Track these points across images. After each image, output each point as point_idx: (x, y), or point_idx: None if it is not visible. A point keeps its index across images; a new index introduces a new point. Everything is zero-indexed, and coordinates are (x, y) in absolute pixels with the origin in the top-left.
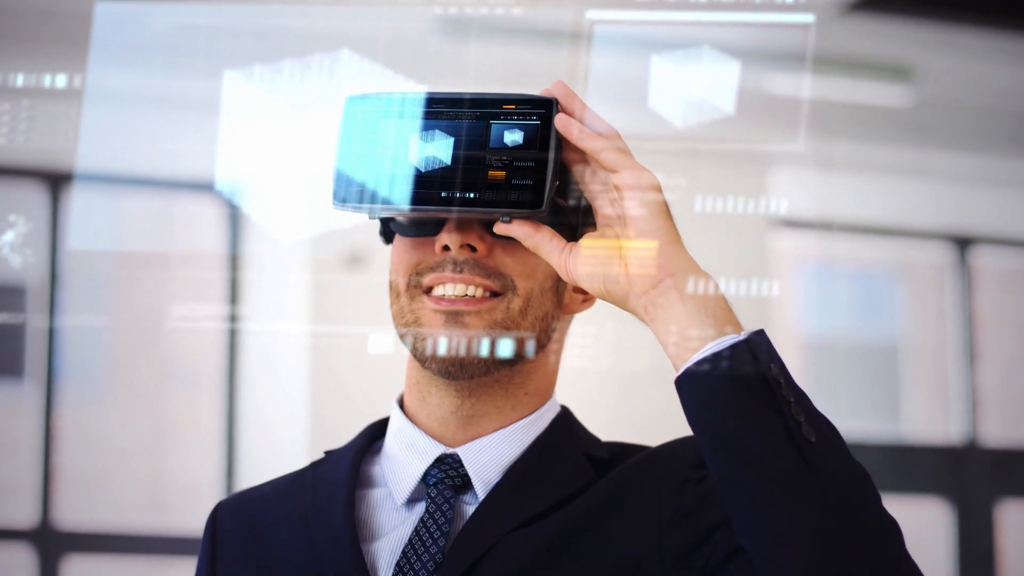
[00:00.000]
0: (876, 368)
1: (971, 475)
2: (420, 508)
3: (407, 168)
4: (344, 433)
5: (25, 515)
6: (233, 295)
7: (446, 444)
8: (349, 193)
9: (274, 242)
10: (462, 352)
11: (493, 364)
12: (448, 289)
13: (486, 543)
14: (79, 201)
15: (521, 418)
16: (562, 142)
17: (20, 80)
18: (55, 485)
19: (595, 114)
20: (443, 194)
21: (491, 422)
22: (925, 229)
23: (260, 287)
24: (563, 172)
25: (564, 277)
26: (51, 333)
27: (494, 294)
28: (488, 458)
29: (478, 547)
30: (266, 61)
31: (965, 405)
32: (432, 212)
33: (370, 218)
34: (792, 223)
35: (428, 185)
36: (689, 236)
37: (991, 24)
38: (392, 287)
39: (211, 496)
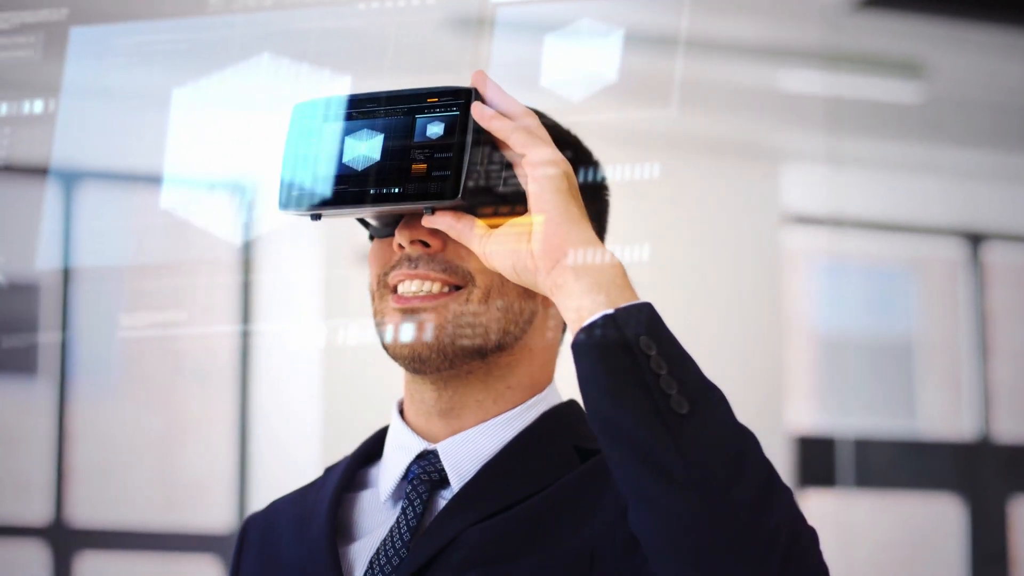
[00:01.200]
0: (889, 364)
1: (984, 471)
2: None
3: (341, 169)
4: (356, 431)
5: (38, 512)
6: (245, 294)
7: (430, 441)
8: (290, 198)
9: (286, 238)
10: (419, 348)
11: (456, 358)
12: (407, 286)
13: (447, 537)
14: (91, 199)
15: (503, 412)
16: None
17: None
18: (68, 482)
19: (509, 97)
20: (372, 191)
21: (471, 417)
22: (937, 225)
23: (271, 283)
24: (498, 159)
25: (485, 264)
26: (64, 331)
27: (456, 288)
28: (466, 452)
29: (439, 541)
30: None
31: (978, 401)
32: (360, 210)
33: (312, 220)
34: (804, 219)
35: (359, 183)
36: (701, 233)
37: (1003, 20)
38: (369, 288)
39: (223, 493)
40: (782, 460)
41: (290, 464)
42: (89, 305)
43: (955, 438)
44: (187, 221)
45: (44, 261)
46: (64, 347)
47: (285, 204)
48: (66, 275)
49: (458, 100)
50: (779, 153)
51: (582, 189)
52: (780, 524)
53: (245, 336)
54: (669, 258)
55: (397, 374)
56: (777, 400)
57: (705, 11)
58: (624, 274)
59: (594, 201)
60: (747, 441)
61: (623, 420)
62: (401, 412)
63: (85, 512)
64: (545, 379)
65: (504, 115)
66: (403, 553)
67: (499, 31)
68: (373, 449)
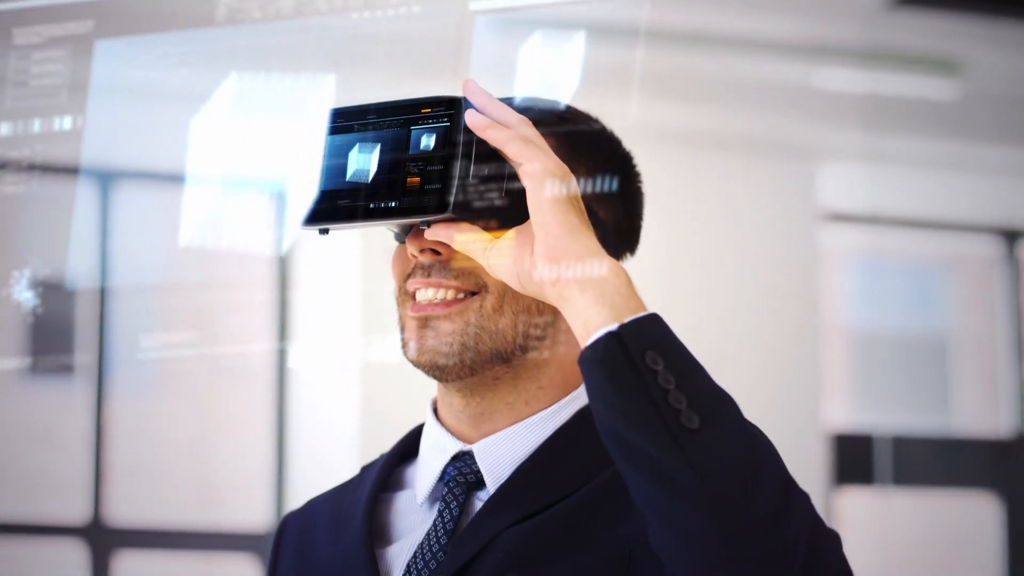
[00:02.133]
0: (925, 361)
1: (1021, 468)
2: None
3: (344, 183)
4: (393, 428)
5: (76, 511)
6: (282, 306)
7: (465, 441)
8: (304, 212)
9: (324, 244)
10: (436, 356)
11: (476, 365)
12: (423, 294)
13: (483, 539)
14: (128, 199)
15: (536, 412)
16: (480, 139)
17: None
18: (106, 481)
19: (501, 104)
20: (371, 206)
21: (503, 418)
22: (974, 223)
23: (310, 283)
24: (496, 169)
25: (491, 274)
26: (101, 329)
27: (471, 293)
28: (501, 453)
29: (475, 544)
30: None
31: (1014, 398)
32: (362, 225)
33: (320, 234)
34: (840, 217)
35: (360, 198)
36: (738, 231)
37: None
38: (394, 293)
39: (261, 492)
40: (819, 458)
41: (327, 462)
42: (126, 304)
43: (991, 435)
44: (223, 230)
45: (80, 278)
46: (101, 346)
47: (303, 219)
48: (103, 277)
49: (449, 111)
50: (815, 151)
51: (617, 189)
52: (798, 533)
53: (283, 330)
54: (705, 256)
55: None
56: (814, 397)
57: (741, 9)
58: (629, 282)
59: (625, 191)
60: (761, 450)
61: (633, 438)
62: (435, 411)
63: (123, 511)
64: (578, 377)
65: (499, 123)
66: (440, 557)
67: (479, 37)
68: (409, 448)
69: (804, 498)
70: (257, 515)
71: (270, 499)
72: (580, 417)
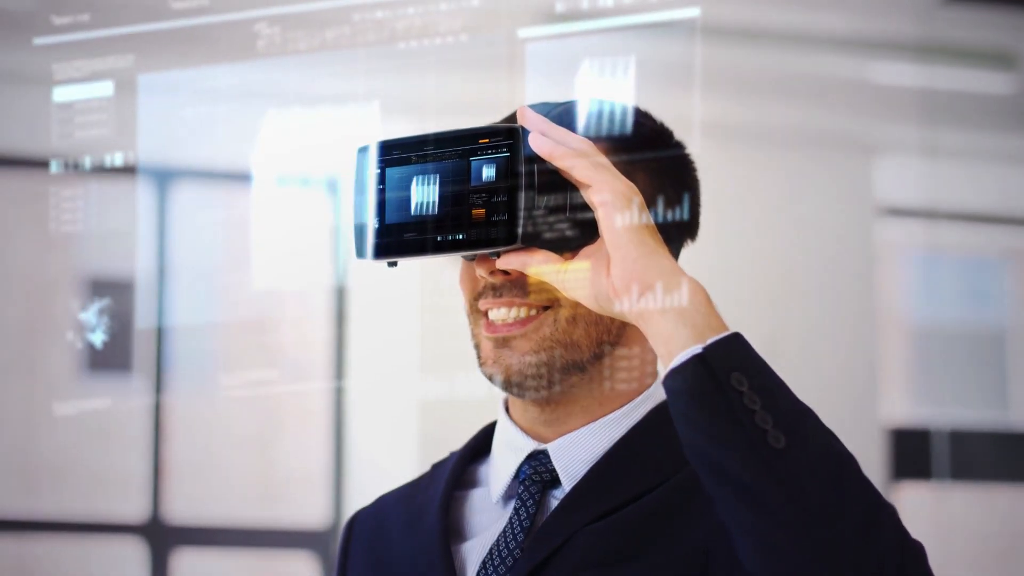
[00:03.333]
0: (983, 355)
1: None
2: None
3: (408, 216)
4: (453, 425)
5: (136, 509)
6: (340, 288)
7: (540, 440)
8: (364, 244)
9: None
10: (515, 376)
11: (554, 379)
12: (496, 313)
13: (560, 538)
14: (185, 198)
15: (610, 412)
16: (542, 166)
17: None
18: (165, 479)
19: (563, 130)
20: (438, 238)
21: (578, 420)
22: None
23: (368, 274)
24: (562, 196)
25: (565, 295)
26: (160, 327)
27: (545, 308)
28: (576, 452)
29: (552, 541)
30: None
31: None
32: (431, 257)
33: (388, 266)
34: (898, 211)
35: (427, 231)
36: (796, 226)
37: None
38: (464, 309)
39: (320, 489)
40: (876, 452)
41: (386, 459)
42: (184, 301)
43: None
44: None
45: (140, 279)
46: (160, 343)
47: (361, 252)
48: (161, 271)
49: (508, 140)
50: (872, 145)
51: (675, 181)
52: (887, 548)
53: (341, 326)
54: (763, 251)
55: None
56: (871, 392)
57: (797, 5)
58: (708, 299)
59: (683, 183)
60: (847, 466)
61: (720, 458)
62: (507, 409)
63: (182, 509)
64: (651, 375)
65: (564, 150)
66: (516, 554)
67: (530, 66)
68: (481, 445)
69: (891, 512)
70: (316, 513)
71: (329, 496)
72: (655, 415)
